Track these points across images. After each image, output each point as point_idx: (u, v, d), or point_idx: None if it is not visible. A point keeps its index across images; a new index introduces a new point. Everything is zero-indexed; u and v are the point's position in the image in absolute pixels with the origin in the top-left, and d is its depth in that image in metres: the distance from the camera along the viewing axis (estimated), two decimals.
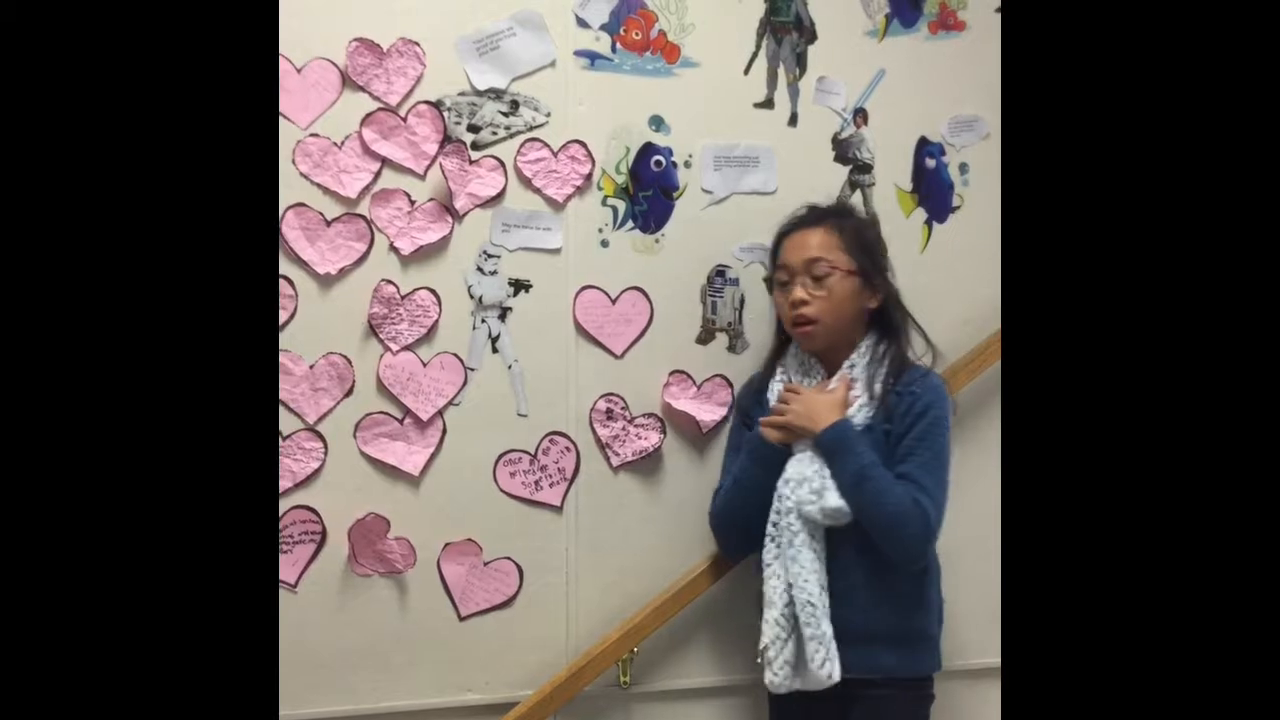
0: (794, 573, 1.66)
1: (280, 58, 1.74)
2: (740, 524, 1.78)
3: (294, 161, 1.78)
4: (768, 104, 1.98)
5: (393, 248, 1.82)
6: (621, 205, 1.92)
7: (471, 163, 1.85)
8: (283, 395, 1.77)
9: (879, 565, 1.66)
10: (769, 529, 1.71)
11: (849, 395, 1.69)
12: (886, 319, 1.76)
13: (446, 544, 1.86)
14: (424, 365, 1.84)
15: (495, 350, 1.87)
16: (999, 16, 2.09)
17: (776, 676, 1.68)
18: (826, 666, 1.63)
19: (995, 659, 1.98)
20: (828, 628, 1.64)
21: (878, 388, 1.69)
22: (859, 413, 1.69)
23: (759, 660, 1.71)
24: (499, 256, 1.86)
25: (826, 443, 1.65)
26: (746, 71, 1.97)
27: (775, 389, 1.78)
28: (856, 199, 2.02)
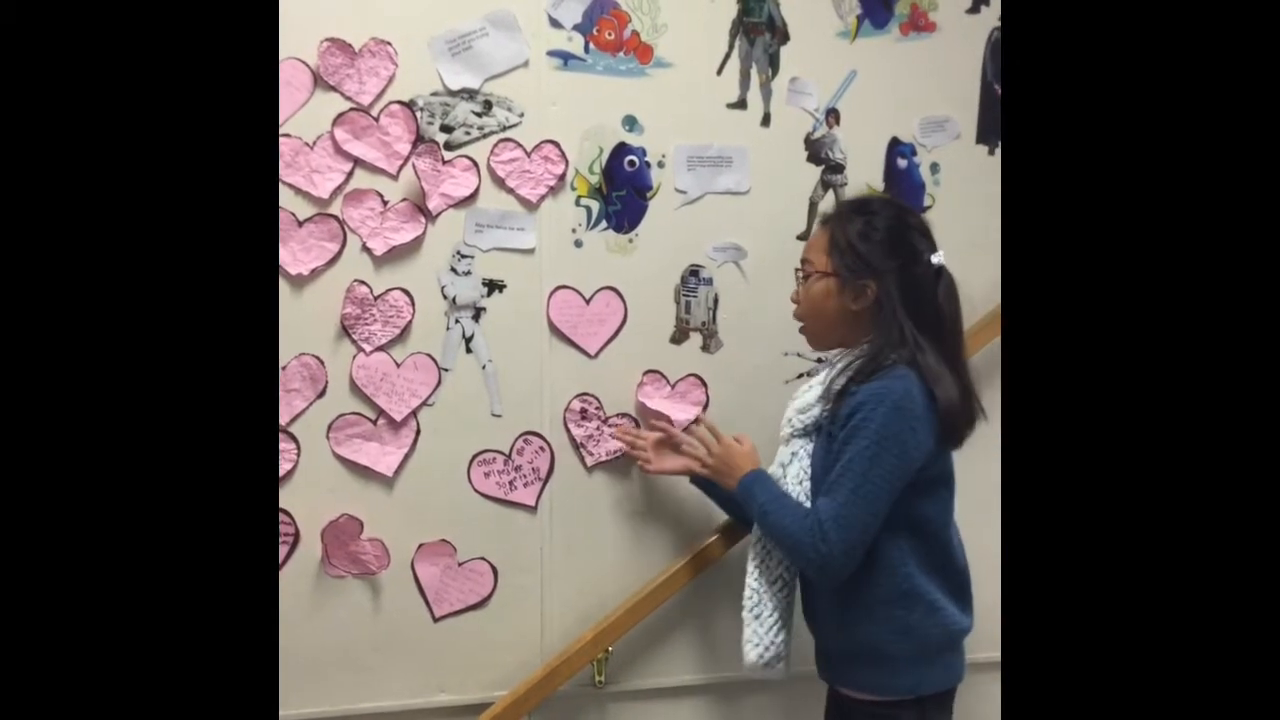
0: (750, 555, 1.68)
1: None
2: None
3: None
4: (740, 104, 1.99)
5: (365, 248, 1.82)
6: (595, 205, 1.92)
7: (444, 163, 1.85)
8: None
9: (842, 584, 1.59)
10: None
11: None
12: (880, 320, 1.63)
13: (420, 545, 1.86)
14: (397, 366, 1.84)
15: (469, 350, 1.87)
16: (970, 18, 2.10)
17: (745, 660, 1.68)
18: (746, 648, 1.65)
19: (978, 655, 2.04)
20: (767, 612, 1.64)
21: (833, 388, 1.62)
22: (809, 411, 1.64)
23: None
24: (472, 257, 1.86)
25: (739, 494, 1.70)
26: (719, 72, 1.98)
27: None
28: (829, 199, 2.03)
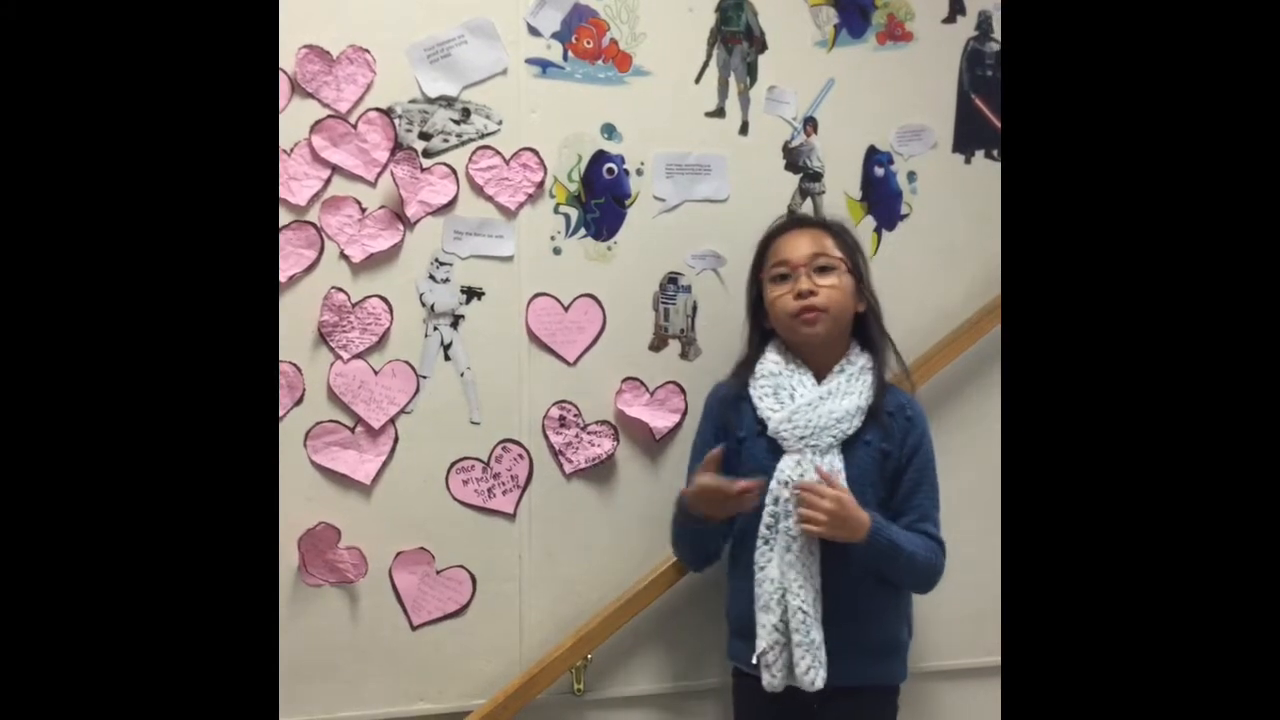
0: (790, 578, 1.65)
1: None
2: (703, 557, 1.83)
3: None
4: (719, 113, 2.00)
5: (343, 255, 1.81)
6: (574, 213, 1.92)
7: (423, 170, 1.85)
8: None
9: (866, 577, 1.67)
10: (762, 530, 1.69)
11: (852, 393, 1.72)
12: (865, 332, 1.78)
13: (398, 553, 1.85)
14: (375, 373, 1.83)
15: (447, 358, 1.87)
16: (946, 28, 2.12)
17: (775, 679, 1.67)
18: (811, 673, 1.64)
19: (977, 660, 2.06)
20: (817, 635, 1.64)
21: (871, 399, 1.70)
22: (851, 421, 1.68)
23: (755, 661, 1.68)
24: (451, 264, 1.86)
25: (874, 541, 1.62)
26: (698, 80, 1.98)
27: (762, 399, 1.74)
28: (807, 207, 2.03)
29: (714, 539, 1.78)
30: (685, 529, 1.77)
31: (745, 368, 1.80)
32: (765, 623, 1.67)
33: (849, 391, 1.70)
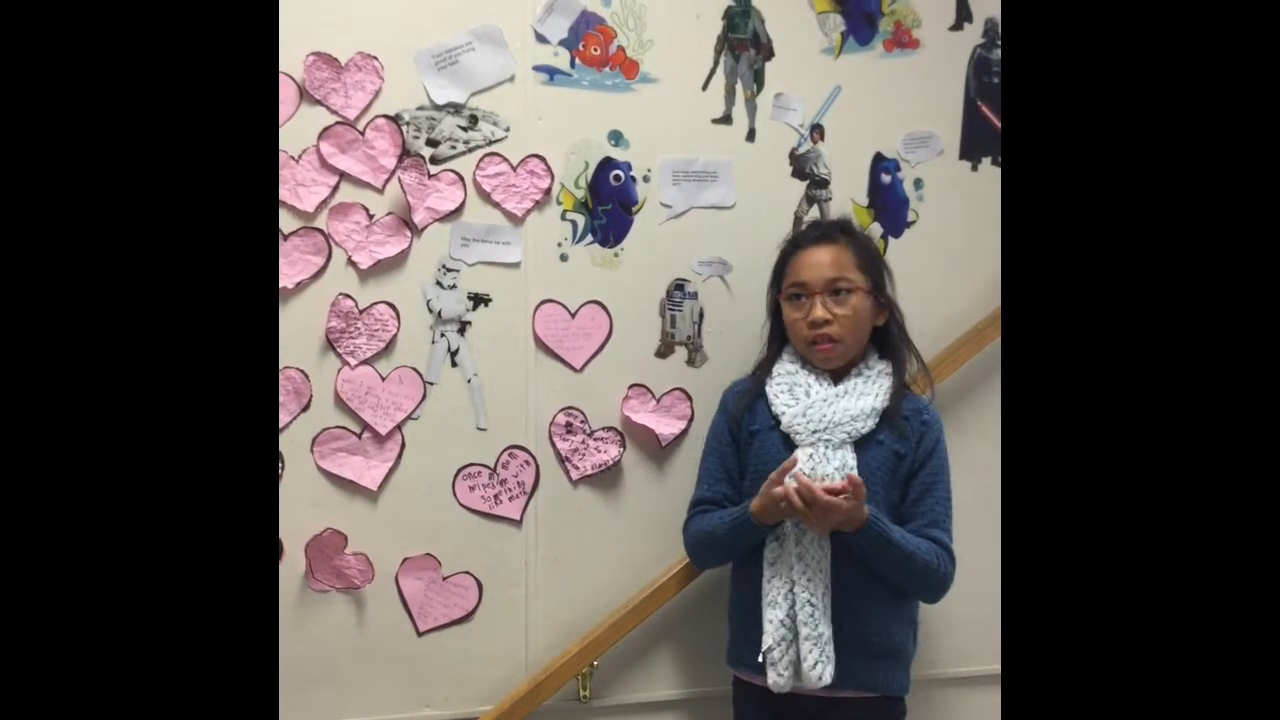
0: (799, 570, 1.65)
1: None
2: (721, 560, 1.82)
3: None
4: (726, 120, 2.00)
5: (351, 261, 1.82)
6: (580, 219, 1.93)
7: (430, 177, 1.85)
8: None
9: (874, 579, 1.67)
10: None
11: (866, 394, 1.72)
12: (886, 340, 1.78)
13: (405, 559, 1.85)
14: (382, 379, 1.83)
15: (454, 364, 1.87)
16: (953, 35, 2.12)
17: (781, 678, 1.65)
18: (819, 668, 1.63)
19: (981, 668, 2.06)
20: (826, 629, 1.64)
21: (888, 401, 1.71)
22: (865, 420, 1.68)
23: (760, 659, 1.66)
24: (458, 270, 1.86)
25: (872, 530, 1.61)
26: (704, 87, 1.99)
27: (777, 395, 1.74)
28: (813, 214, 2.03)
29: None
30: (743, 538, 1.71)
31: (763, 369, 1.81)
32: (772, 618, 1.66)
33: (865, 393, 1.71)
